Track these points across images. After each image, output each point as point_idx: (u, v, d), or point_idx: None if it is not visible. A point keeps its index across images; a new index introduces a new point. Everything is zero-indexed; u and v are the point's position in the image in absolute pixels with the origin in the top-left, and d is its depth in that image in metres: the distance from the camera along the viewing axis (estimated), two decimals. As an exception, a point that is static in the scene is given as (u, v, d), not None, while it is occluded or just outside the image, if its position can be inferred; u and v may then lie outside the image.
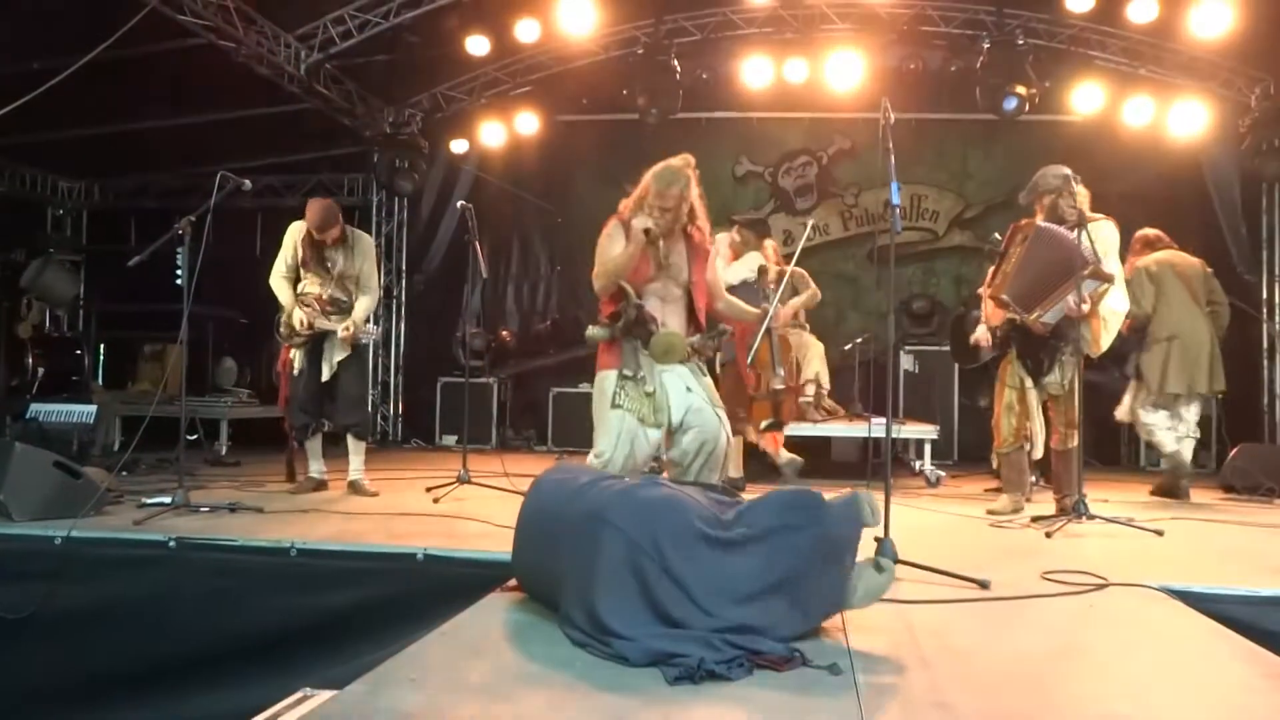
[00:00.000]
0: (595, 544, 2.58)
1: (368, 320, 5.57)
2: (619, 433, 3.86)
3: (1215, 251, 8.86)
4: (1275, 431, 8.56)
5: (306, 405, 5.46)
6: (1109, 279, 4.78)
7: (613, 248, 3.99)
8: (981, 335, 5.28)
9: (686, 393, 3.95)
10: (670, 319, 3.99)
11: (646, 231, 3.82)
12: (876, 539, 3.31)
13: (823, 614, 2.60)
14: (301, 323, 5.32)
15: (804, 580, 2.56)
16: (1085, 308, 4.69)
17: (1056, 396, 4.96)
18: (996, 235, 5.38)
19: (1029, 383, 5.00)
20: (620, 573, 2.54)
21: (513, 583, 3.17)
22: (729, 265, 6.25)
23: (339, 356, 5.42)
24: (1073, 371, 4.86)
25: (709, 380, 4.10)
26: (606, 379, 3.95)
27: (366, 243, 5.60)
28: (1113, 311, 4.90)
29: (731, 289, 5.96)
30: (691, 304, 4.06)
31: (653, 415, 3.90)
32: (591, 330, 4.02)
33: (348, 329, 5.32)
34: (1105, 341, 4.93)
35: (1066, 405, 4.87)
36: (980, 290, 5.43)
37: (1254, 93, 8.31)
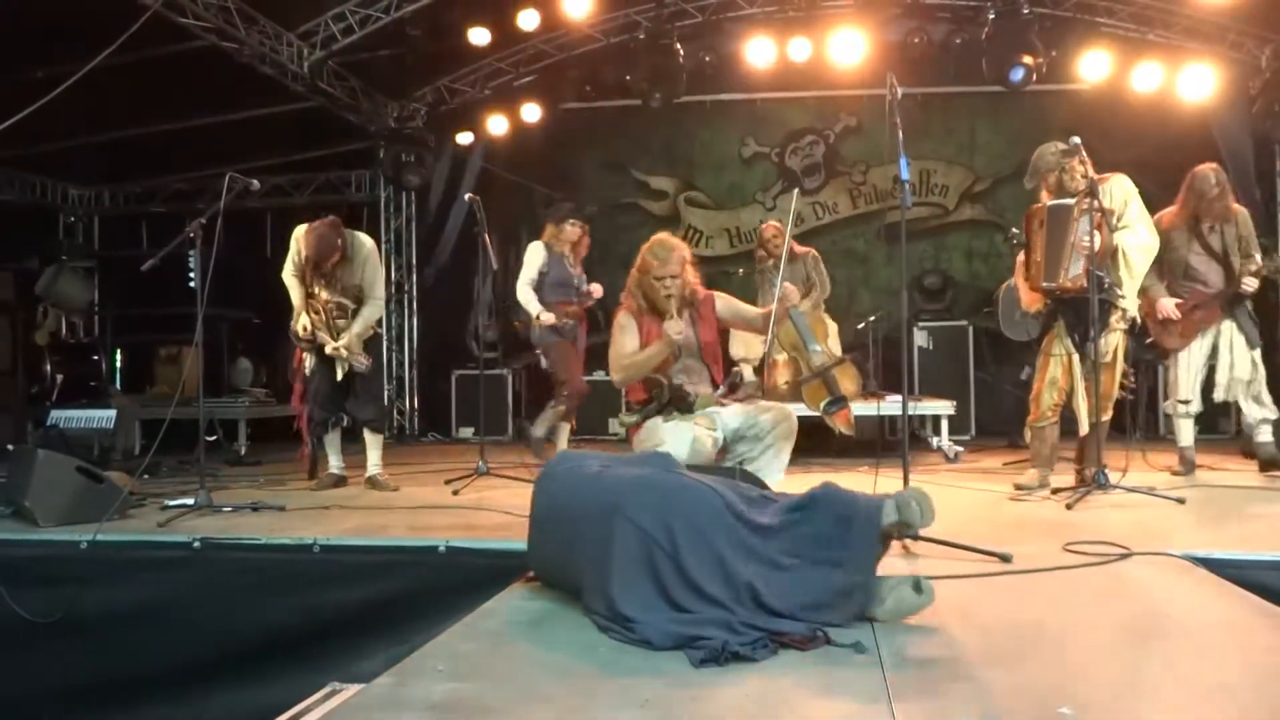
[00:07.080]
0: (610, 536, 2.58)
1: (365, 345, 5.46)
2: (677, 436, 3.89)
3: (1229, 216, 8.83)
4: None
5: (323, 401, 5.47)
6: (1107, 212, 4.75)
7: (626, 340, 4.10)
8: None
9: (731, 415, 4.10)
10: (699, 390, 4.14)
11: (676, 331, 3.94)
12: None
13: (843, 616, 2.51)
14: (305, 328, 5.33)
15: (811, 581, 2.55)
16: (1098, 238, 4.65)
17: (1100, 366, 4.90)
18: (1015, 230, 5.38)
19: (1075, 356, 4.96)
20: (636, 566, 2.54)
21: (532, 574, 3.18)
22: None
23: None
24: (1118, 340, 4.83)
25: None
26: (646, 425, 4.06)
27: (367, 249, 5.49)
28: (1133, 247, 4.87)
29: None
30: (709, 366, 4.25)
31: (707, 422, 4.02)
32: (624, 418, 4.13)
33: (337, 349, 5.28)
34: (1130, 284, 4.88)
35: (1107, 377, 4.83)
36: (1014, 280, 5.42)
37: (1264, 53, 8.20)
